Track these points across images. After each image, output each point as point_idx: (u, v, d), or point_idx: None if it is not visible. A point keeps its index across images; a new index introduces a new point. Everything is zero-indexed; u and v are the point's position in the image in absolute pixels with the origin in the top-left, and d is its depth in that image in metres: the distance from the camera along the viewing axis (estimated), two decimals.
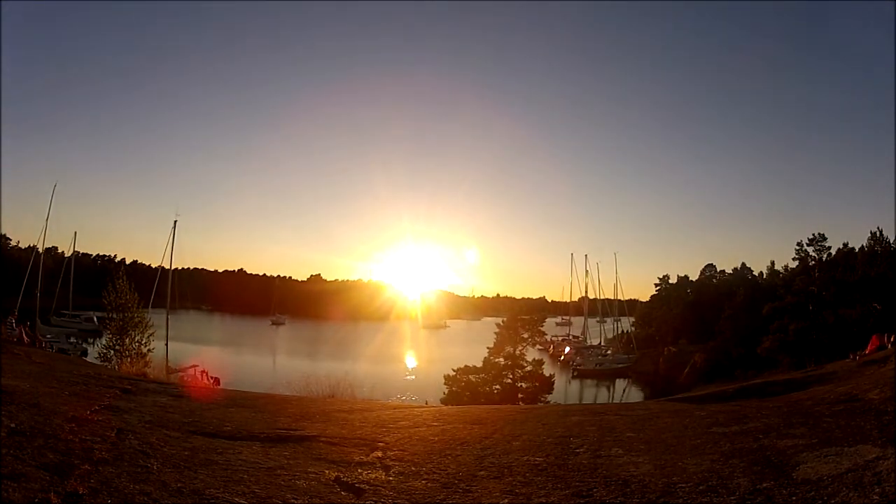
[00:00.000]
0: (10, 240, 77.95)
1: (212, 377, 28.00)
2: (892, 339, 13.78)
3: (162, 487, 2.95)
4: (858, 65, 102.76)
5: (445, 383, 26.67)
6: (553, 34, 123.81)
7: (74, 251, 57.44)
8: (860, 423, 4.41)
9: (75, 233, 56.88)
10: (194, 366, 29.13)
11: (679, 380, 41.59)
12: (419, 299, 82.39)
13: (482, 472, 3.72)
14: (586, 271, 61.86)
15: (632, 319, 65.04)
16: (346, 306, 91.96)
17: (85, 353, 30.49)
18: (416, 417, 6.03)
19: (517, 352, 27.66)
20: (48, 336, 32.59)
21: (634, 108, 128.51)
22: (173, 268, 39.12)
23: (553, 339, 58.46)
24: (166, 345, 29.12)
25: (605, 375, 45.60)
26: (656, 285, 66.44)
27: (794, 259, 45.84)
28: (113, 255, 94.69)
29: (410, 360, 52.26)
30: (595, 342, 58.56)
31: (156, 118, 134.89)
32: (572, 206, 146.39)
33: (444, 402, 23.54)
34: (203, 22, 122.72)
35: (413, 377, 40.59)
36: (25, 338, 13.99)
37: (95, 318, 25.57)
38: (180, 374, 24.46)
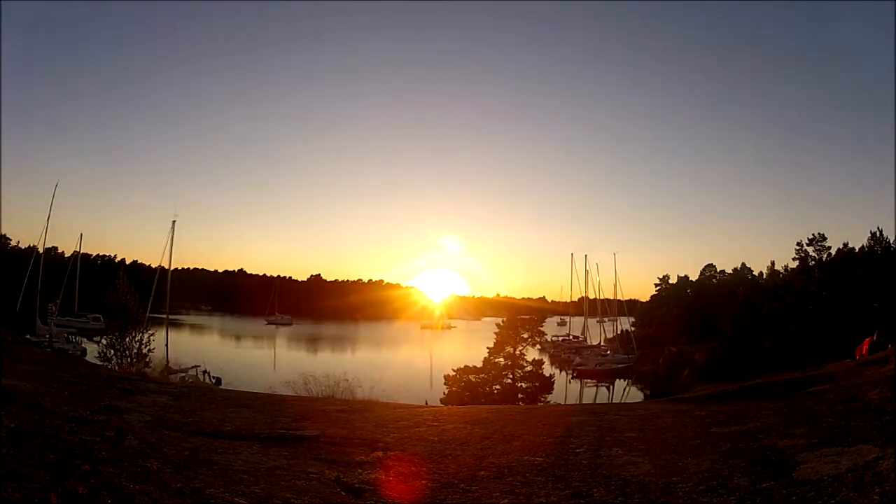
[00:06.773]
0: (10, 240, 78.10)
1: (213, 377, 28.06)
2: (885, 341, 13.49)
3: (162, 487, 2.94)
4: (858, 65, 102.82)
5: (445, 383, 26.70)
6: (554, 35, 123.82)
7: (79, 252, 57.44)
8: (860, 423, 4.40)
9: (81, 234, 56.89)
10: (195, 366, 29.18)
11: (679, 380, 41.52)
12: (436, 302, 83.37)
13: (482, 472, 3.71)
14: (586, 271, 61.75)
15: (632, 319, 65.10)
16: (354, 307, 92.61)
17: (84, 352, 30.45)
18: (416, 417, 6.01)
19: (517, 352, 27.69)
20: (47, 335, 32.57)
21: (634, 108, 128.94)
22: (173, 268, 39.19)
23: (553, 339, 58.44)
24: (166, 345, 29.11)
25: (605, 375, 45.61)
26: (656, 285, 66.79)
27: (794, 259, 46.04)
28: (113, 256, 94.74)
29: (414, 361, 52.34)
30: (595, 342, 58.59)
31: (159, 118, 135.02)
32: (572, 205, 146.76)
33: (444, 402, 23.55)
34: (206, 22, 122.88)
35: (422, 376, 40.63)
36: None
37: (102, 318, 25.90)
38: (181, 374, 24.44)
